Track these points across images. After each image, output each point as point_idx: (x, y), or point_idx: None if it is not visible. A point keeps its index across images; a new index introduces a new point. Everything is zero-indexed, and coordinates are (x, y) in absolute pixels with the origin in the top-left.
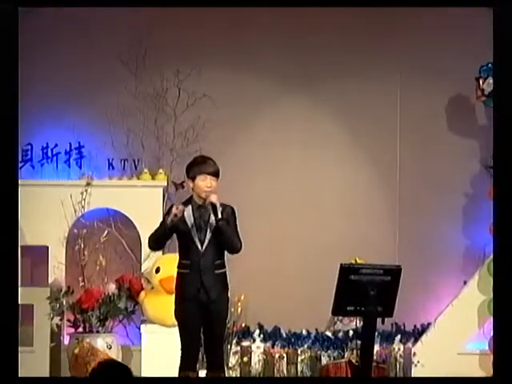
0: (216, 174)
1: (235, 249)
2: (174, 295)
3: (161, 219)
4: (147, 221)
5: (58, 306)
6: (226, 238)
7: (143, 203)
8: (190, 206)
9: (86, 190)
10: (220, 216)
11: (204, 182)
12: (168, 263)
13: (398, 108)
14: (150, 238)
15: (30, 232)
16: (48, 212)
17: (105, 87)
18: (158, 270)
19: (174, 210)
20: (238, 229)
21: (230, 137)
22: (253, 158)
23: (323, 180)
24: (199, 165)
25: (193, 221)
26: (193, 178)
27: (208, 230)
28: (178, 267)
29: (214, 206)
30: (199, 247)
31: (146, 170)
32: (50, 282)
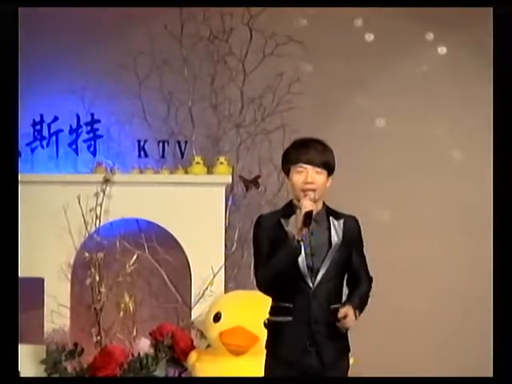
0: (326, 166)
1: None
2: (264, 356)
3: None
4: (201, 239)
5: (58, 373)
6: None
7: (194, 211)
8: (292, 218)
9: (104, 191)
10: (341, 236)
11: (300, 176)
12: (233, 306)
13: None
14: (263, 277)
15: None
16: (43, 225)
17: (132, 27)
18: (217, 318)
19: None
20: (365, 252)
21: (332, 107)
22: (378, 143)
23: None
24: (297, 150)
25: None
26: (287, 172)
27: (325, 255)
28: (273, 314)
29: (308, 216)
30: (309, 283)
31: (198, 159)
32: (45, 335)
